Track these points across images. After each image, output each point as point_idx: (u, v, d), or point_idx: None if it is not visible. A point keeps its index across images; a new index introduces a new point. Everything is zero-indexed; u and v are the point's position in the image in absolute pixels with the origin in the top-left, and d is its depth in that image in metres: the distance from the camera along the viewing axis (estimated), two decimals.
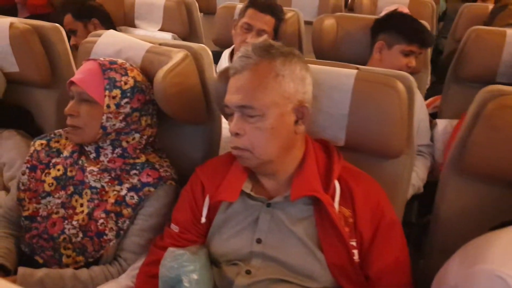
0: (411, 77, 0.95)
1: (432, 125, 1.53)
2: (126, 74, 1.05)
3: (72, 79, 1.02)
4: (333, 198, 0.87)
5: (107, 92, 1.01)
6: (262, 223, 0.90)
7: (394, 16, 1.57)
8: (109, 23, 1.93)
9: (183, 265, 0.84)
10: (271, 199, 0.91)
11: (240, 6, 1.94)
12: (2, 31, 1.29)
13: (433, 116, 1.66)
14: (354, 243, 0.85)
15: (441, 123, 1.38)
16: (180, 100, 1.05)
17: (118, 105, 1.02)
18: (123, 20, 2.18)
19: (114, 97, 1.01)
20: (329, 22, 1.62)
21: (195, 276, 0.83)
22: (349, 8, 2.91)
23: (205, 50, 1.13)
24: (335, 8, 2.43)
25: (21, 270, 0.96)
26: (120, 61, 1.08)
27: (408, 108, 0.94)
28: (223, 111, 1.00)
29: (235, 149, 0.88)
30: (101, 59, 1.06)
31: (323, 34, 1.62)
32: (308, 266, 0.85)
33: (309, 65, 0.96)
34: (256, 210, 0.91)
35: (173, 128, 1.20)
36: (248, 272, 0.86)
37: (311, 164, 0.90)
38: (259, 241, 0.89)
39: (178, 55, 1.04)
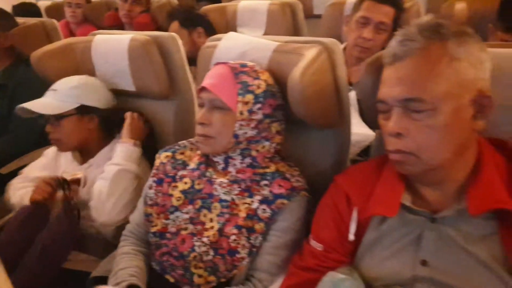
0: None
1: None
2: (258, 78, 1.01)
3: (203, 84, 1.01)
4: None
5: (240, 98, 0.98)
6: (427, 242, 0.78)
7: None
8: (212, 32, 1.97)
9: None
10: (437, 213, 0.78)
11: (351, 1, 1.87)
12: (121, 47, 1.35)
13: None
14: None
15: None
16: (317, 101, 0.98)
17: (250, 111, 0.98)
18: (225, 27, 2.22)
19: (247, 103, 0.98)
20: (459, 5, 1.48)
21: None
22: None
23: (337, 45, 1.06)
24: None
25: None
26: (250, 63, 1.05)
27: None
28: (368, 110, 0.90)
29: (396, 152, 0.77)
30: (231, 62, 1.04)
31: (454, 19, 1.47)
32: None
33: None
34: (418, 226, 0.80)
35: (299, 134, 1.14)
36: None
37: (490, 169, 0.77)
38: (424, 263, 0.77)
39: (311, 51, 0.98)
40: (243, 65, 1.03)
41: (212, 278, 0.99)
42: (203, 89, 1.01)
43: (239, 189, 1.01)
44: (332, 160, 1.12)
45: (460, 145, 0.76)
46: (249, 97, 0.98)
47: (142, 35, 1.37)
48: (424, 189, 0.82)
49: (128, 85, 1.40)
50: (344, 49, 1.72)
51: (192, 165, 1.09)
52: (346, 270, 0.82)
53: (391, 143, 0.78)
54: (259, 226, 0.98)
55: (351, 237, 0.85)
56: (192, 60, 1.38)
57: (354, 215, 0.86)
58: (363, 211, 0.85)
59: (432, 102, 0.73)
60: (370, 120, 1.01)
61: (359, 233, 0.85)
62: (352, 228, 0.86)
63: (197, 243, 1.00)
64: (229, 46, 1.16)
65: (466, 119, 0.75)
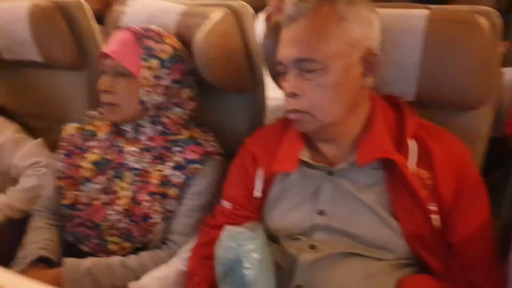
0: (495, 12, 0.85)
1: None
2: (164, 42, 1.00)
3: (105, 51, 0.98)
4: (407, 158, 0.79)
5: (144, 63, 0.96)
6: (324, 193, 0.83)
7: None
8: None
9: (242, 244, 0.79)
10: (333, 167, 0.84)
11: None
12: (21, 14, 1.26)
13: None
14: (433, 208, 0.78)
15: (509, 71, 1.25)
16: (223, 64, 0.99)
17: (157, 77, 0.97)
18: None
19: (151, 68, 0.97)
20: None
21: (256, 256, 0.78)
22: None
23: (246, 8, 1.06)
24: None
25: (68, 261, 0.94)
26: (155, 28, 1.03)
27: (493, 49, 0.84)
28: (274, 72, 0.92)
29: (292, 112, 0.81)
30: (134, 26, 1.01)
31: None
32: (381, 237, 0.79)
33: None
34: (317, 179, 0.85)
35: (214, 101, 1.15)
36: (312, 247, 0.81)
37: (379, 123, 0.82)
38: (321, 213, 0.83)
39: (217, 14, 0.98)
40: (147, 30, 1.00)
41: (127, 244, 0.99)
42: (105, 55, 0.98)
43: (151, 157, 1.01)
44: (248, 125, 1.14)
45: (351, 102, 0.80)
46: (154, 62, 0.97)
47: (45, 0, 1.28)
48: (322, 145, 0.87)
49: (34, 55, 1.32)
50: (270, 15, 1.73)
51: (101, 135, 1.07)
52: (251, 225, 0.85)
53: (288, 103, 0.81)
54: (172, 191, 0.99)
55: (256, 193, 0.89)
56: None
57: (260, 173, 0.89)
58: (268, 169, 0.88)
59: (323, 62, 0.76)
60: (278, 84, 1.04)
61: (265, 190, 0.89)
62: (257, 185, 0.89)
63: (110, 212, 1.00)
64: (136, 10, 1.12)
65: (356, 76, 0.79)
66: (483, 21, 0.81)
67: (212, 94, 1.12)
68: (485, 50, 0.81)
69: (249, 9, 1.08)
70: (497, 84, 0.89)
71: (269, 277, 0.79)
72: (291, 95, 0.79)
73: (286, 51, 0.79)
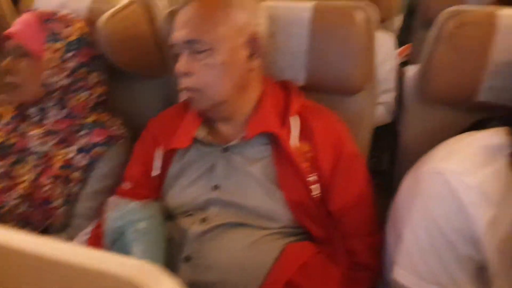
0: (371, 7, 0.95)
1: (401, 74, 1.54)
2: (70, 26, 1.02)
3: (6, 32, 0.99)
4: (290, 133, 0.86)
5: (48, 45, 0.98)
6: (218, 169, 0.88)
7: None
8: None
9: (129, 213, 0.80)
10: (228, 144, 0.89)
11: None
12: None
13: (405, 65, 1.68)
14: (314, 178, 0.85)
15: (411, 69, 1.40)
16: (129, 48, 1.03)
17: (62, 59, 0.99)
18: None
19: (56, 51, 0.99)
20: None
21: (142, 225, 0.79)
22: None
23: None
24: None
25: None
26: (63, 12, 1.05)
27: (368, 40, 0.94)
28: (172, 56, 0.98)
29: (185, 90, 0.86)
30: (40, 10, 1.03)
31: None
32: (267, 206, 0.84)
33: (265, 2, 0.96)
34: (212, 156, 0.89)
35: (126, 85, 1.17)
36: (203, 220, 0.85)
37: (267, 103, 0.89)
38: (215, 187, 0.87)
39: (124, 1, 1.03)
40: (53, 13, 1.03)
41: (26, 229, 0.98)
42: (7, 37, 0.99)
43: (55, 140, 1.02)
44: (161, 109, 1.17)
45: (239, 81, 0.86)
46: (59, 45, 0.99)
47: None
48: (218, 124, 0.92)
49: None
50: None
51: (6, 119, 1.06)
52: (144, 202, 0.87)
53: (181, 83, 0.86)
54: (76, 174, 0.99)
55: (155, 172, 0.92)
56: None
57: (158, 152, 0.93)
58: (166, 147, 0.92)
59: (210, 43, 0.82)
60: None
61: (164, 169, 0.93)
62: (156, 164, 0.92)
63: (9, 197, 0.98)
64: None
65: (242, 58, 0.85)
66: (359, 15, 0.92)
67: (124, 79, 1.14)
68: (359, 40, 0.91)
69: None
70: (370, 73, 0.99)
71: (157, 248, 0.80)
72: (183, 74, 0.84)
73: (178, 33, 0.85)
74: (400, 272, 0.74)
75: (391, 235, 0.80)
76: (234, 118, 0.91)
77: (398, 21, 1.89)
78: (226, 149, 0.89)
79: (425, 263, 0.70)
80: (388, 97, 1.51)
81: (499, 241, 0.68)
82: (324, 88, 0.99)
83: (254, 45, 0.86)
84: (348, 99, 1.00)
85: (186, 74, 0.84)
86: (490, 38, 0.83)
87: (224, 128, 0.92)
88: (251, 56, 0.86)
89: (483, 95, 0.87)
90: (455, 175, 0.67)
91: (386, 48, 1.62)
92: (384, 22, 1.58)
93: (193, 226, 0.84)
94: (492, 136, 0.73)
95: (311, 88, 0.98)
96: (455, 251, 0.68)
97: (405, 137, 0.99)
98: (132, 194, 0.93)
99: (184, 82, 0.85)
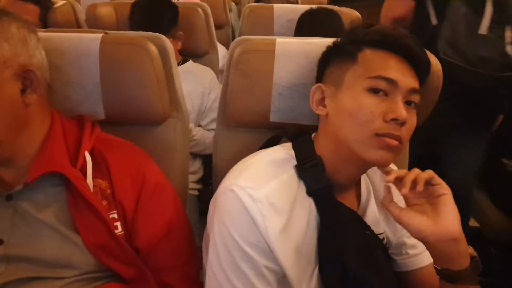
0: (163, 37, 0.97)
1: None
2: None
3: None
4: (84, 172, 0.81)
5: None
6: (3, 221, 0.78)
7: None
8: None
9: None
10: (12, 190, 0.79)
11: None
12: None
13: None
14: (115, 215, 0.81)
15: None
16: None
17: None
18: None
19: None
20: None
21: None
22: None
23: None
24: None
25: None
26: None
27: (165, 69, 0.95)
28: None
29: None
30: None
31: None
32: (63, 254, 0.77)
33: (49, 33, 0.90)
34: None
35: None
36: None
37: (55, 141, 0.82)
38: (1, 242, 0.77)
39: None
40: None
41: None
42: None
43: None
44: None
45: (12, 119, 0.76)
46: None
47: None
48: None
49: None
50: None
51: None
52: None
53: None
54: None
55: None
56: None
57: None
58: None
59: None
60: None
61: None
62: None
63: None
64: None
65: (13, 93, 0.75)
66: (150, 45, 0.92)
67: None
68: (155, 70, 0.91)
69: None
70: (176, 101, 1.01)
71: None
72: None
73: None
74: None
75: (205, 256, 0.80)
76: (16, 161, 0.80)
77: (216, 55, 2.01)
78: (9, 197, 0.79)
79: (229, 282, 0.71)
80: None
81: (291, 249, 0.72)
82: (127, 120, 0.97)
83: (26, 77, 0.77)
84: (156, 128, 0.99)
85: None
86: (271, 64, 0.91)
87: (6, 173, 0.81)
88: (25, 90, 0.77)
89: (273, 116, 0.94)
90: (243, 190, 0.70)
91: (209, 79, 1.69)
92: None
93: None
94: (279, 151, 0.80)
95: (114, 122, 0.95)
96: (255, 264, 0.70)
97: (215, 161, 1.02)
98: None
99: None
